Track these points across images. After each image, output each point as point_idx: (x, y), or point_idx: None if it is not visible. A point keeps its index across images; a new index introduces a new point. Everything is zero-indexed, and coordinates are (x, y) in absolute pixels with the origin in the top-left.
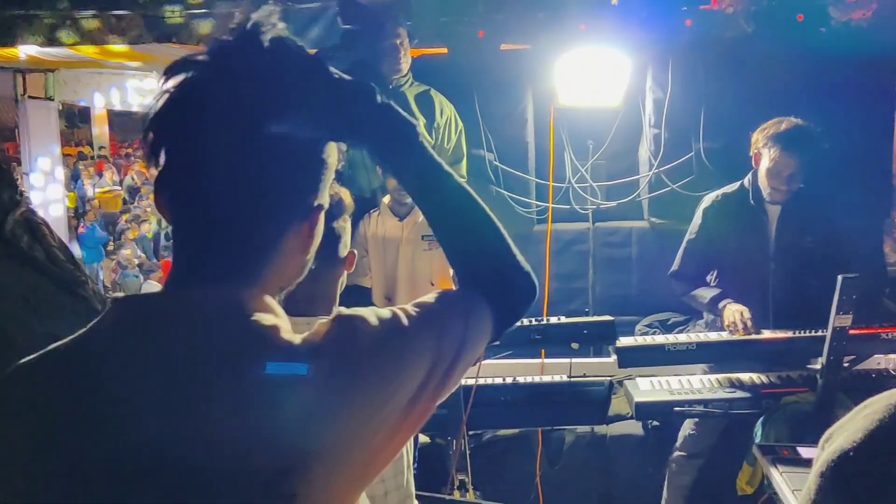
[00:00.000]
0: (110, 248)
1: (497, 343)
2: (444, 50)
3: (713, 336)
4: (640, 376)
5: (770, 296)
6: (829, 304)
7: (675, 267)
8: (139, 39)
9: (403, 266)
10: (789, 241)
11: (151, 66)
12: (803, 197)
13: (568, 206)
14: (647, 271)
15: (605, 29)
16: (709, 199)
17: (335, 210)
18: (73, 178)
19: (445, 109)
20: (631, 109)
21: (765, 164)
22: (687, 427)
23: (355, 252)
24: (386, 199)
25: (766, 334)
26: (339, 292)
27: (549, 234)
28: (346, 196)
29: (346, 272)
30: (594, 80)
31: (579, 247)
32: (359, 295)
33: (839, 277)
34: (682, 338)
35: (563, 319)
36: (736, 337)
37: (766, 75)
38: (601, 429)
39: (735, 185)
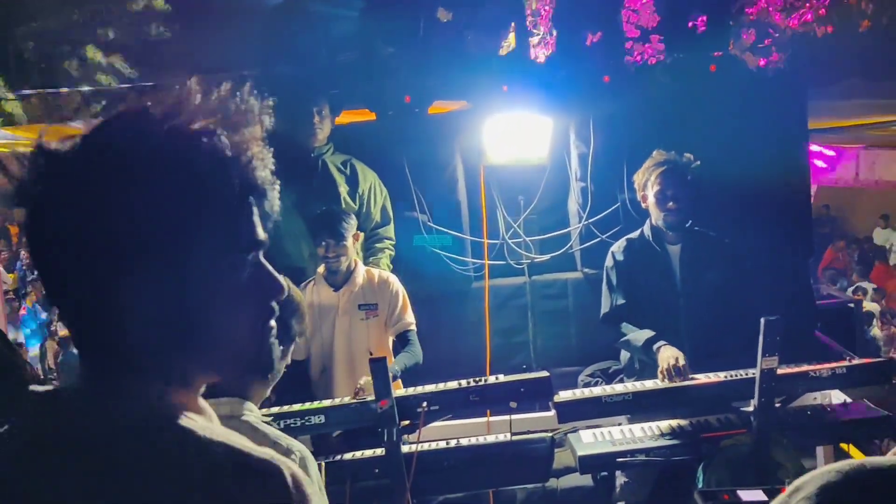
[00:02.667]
0: (54, 327)
1: (436, 408)
2: (372, 115)
3: (649, 385)
4: (587, 427)
5: (683, 330)
6: (741, 336)
7: (604, 309)
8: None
9: (340, 336)
10: (694, 277)
11: None
12: (701, 235)
13: (503, 262)
14: (585, 321)
15: (527, 89)
16: (616, 245)
17: (291, 310)
18: (13, 260)
19: (368, 176)
20: (557, 164)
21: (651, 195)
22: (621, 476)
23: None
24: (321, 269)
25: (700, 379)
26: (269, 388)
27: (487, 291)
28: (299, 296)
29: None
30: (520, 138)
31: (518, 301)
32: (295, 368)
33: (762, 320)
34: (619, 388)
35: (501, 378)
36: (669, 384)
37: (682, 124)
38: (552, 482)
39: (637, 232)
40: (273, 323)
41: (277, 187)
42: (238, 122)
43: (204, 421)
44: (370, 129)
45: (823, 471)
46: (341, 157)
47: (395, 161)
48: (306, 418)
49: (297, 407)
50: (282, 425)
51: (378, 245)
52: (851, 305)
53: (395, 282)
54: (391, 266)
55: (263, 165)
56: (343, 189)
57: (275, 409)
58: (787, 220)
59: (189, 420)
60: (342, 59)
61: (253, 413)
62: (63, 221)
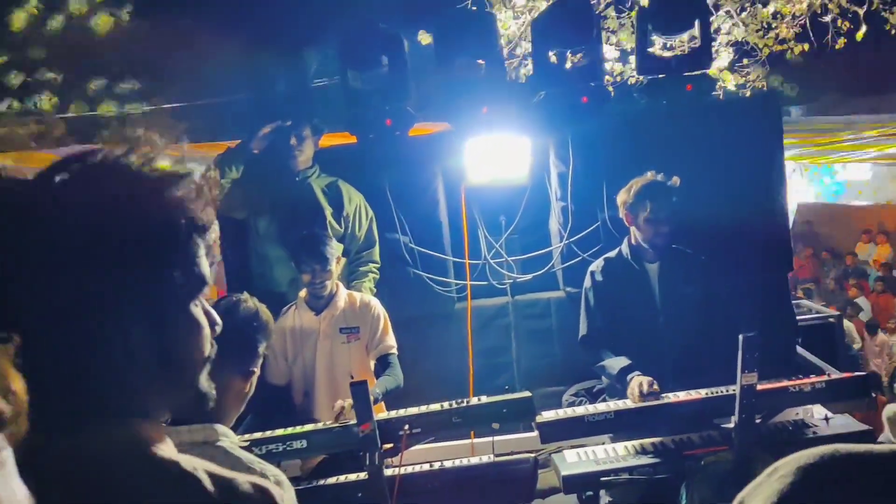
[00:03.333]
0: None
1: (419, 430)
2: (353, 139)
3: (630, 403)
4: (571, 447)
5: (664, 349)
6: (722, 353)
7: (582, 332)
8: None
9: (321, 360)
10: (673, 295)
11: None
12: (679, 253)
13: (486, 283)
14: (569, 340)
15: (507, 110)
16: (594, 265)
17: (257, 326)
18: None
19: (354, 198)
20: (538, 184)
21: (641, 216)
22: (605, 495)
23: (256, 371)
24: (302, 294)
25: (682, 396)
26: (242, 406)
27: (469, 312)
28: (266, 314)
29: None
30: (500, 159)
31: (501, 321)
32: (278, 393)
33: (740, 337)
34: (602, 407)
35: (484, 399)
36: (652, 403)
37: (660, 142)
38: (536, 503)
39: (615, 252)
40: (210, 358)
41: (216, 226)
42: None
43: (170, 450)
44: (351, 152)
45: (801, 454)
46: (327, 179)
47: (376, 183)
48: (288, 443)
49: (279, 432)
50: (264, 451)
51: (362, 268)
52: (832, 321)
53: (376, 305)
54: (375, 290)
55: (207, 203)
56: (328, 211)
57: (257, 434)
58: (765, 235)
59: (167, 449)
60: (322, 83)
61: (229, 438)
62: (10, 257)
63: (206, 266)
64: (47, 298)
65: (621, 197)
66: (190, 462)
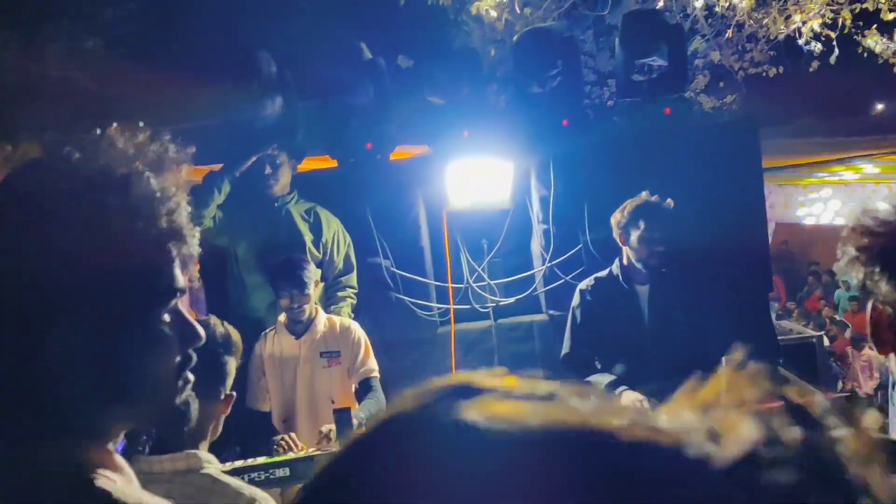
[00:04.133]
0: None
1: None
2: (334, 163)
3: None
4: None
5: (652, 370)
6: (709, 374)
7: (565, 350)
8: None
9: (302, 385)
10: (662, 317)
11: None
12: (669, 275)
13: (468, 306)
14: (552, 362)
15: (488, 134)
16: (584, 283)
17: (224, 347)
18: None
19: (332, 224)
20: (519, 208)
21: (636, 235)
22: None
23: (234, 395)
24: (282, 318)
25: None
26: (216, 431)
27: (453, 336)
28: (235, 335)
29: (222, 414)
30: (482, 182)
31: (484, 345)
32: (259, 420)
33: (723, 359)
34: None
35: None
36: None
37: (640, 165)
38: None
39: (605, 272)
40: (190, 375)
41: (197, 234)
42: (158, 167)
43: (122, 481)
44: (332, 176)
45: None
46: (306, 204)
47: (357, 207)
48: (271, 471)
49: (261, 460)
50: (246, 479)
51: (340, 294)
52: (814, 341)
53: (356, 328)
54: (352, 315)
55: (183, 211)
56: (308, 237)
57: (238, 463)
58: (745, 256)
59: (106, 481)
60: (302, 107)
61: (213, 465)
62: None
63: (179, 275)
64: (9, 296)
65: (615, 217)
66: (131, 496)
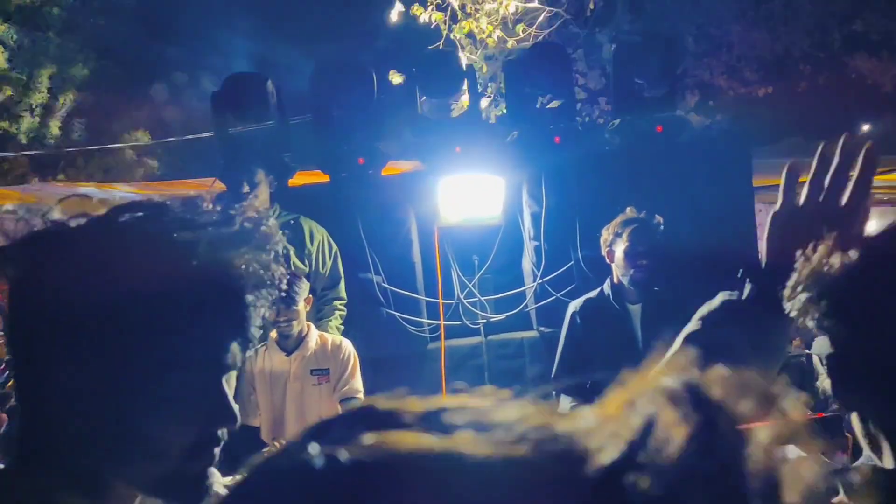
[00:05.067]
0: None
1: None
2: (326, 177)
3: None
4: None
5: None
6: None
7: (554, 372)
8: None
9: (292, 403)
10: (655, 337)
11: None
12: (660, 295)
13: (459, 322)
14: (542, 380)
15: (480, 150)
16: (575, 304)
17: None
18: None
19: (316, 234)
20: (511, 224)
21: (620, 249)
22: None
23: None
24: (273, 334)
25: None
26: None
27: (443, 352)
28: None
29: None
30: (473, 198)
31: (474, 361)
32: (248, 435)
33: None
34: None
35: None
36: None
37: (632, 182)
38: None
39: (596, 291)
40: (217, 451)
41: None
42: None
43: None
44: (324, 191)
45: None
46: (287, 217)
47: (349, 222)
48: None
49: None
50: None
51: (327, 307)
52: (803, 360)
53: (347, 347)
54: (342, 327)
55: (264, 273)
56: (290, 250)
57: (227, 480)
58: (736, 275)
59: None
60: (294, 122)
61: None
62: (45, 294)
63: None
64: (71, 331)
65: (603, 235)
66: None
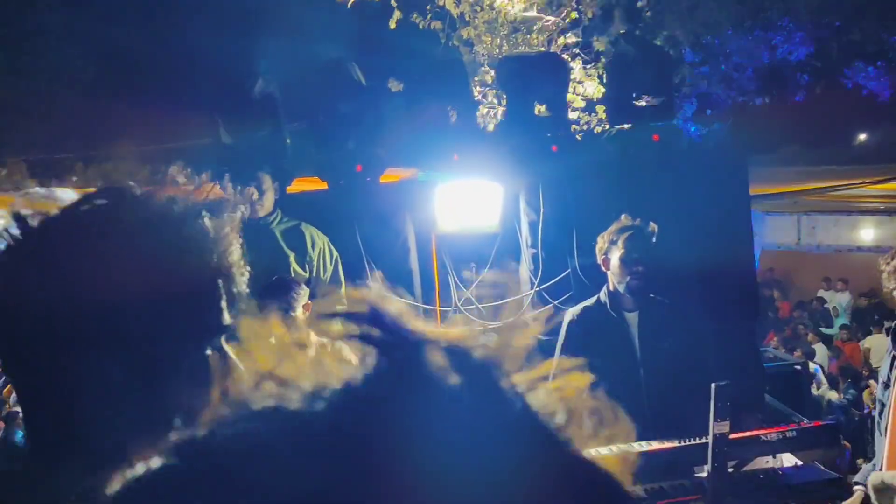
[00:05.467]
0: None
1: None
2: (324, 184)
3: (603, 451)
4: None
5: (644, 399)
6: (703, 405)
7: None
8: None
9: None
10: (652, 346)
11: None
12: (658, 302)
13: None
14: None
15: (478, 158)
16: (570, 313)
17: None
18: None
19: (317, 241)
20: (508, 231)
21: (616, 256)
22: None
23: None
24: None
25: (654, 445)
26: None
27: None
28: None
29: None
30: (471, 206)
31: None
32: None
33: (712, 385)
34: None
35: None
36: (626, 451)
37: (629, 191)
38: None
39: (592, 300)
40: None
41: (246, 272)
42: (216, 208)
43: None
44: (322, 198)
45: None
46: (290, 223)
47: (347, 230)
48: None
49: None
50: None
51: None
52: (798, 367)
53: (348, 352)
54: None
55: (235, 251)
56: (291, 256)
57: None
58: (732, 284)
59: None
60: (292, 129)
61: None
62: (27, 293)
63: (226, 312)
64: (57, 326)
65: (598, 243)
66: None
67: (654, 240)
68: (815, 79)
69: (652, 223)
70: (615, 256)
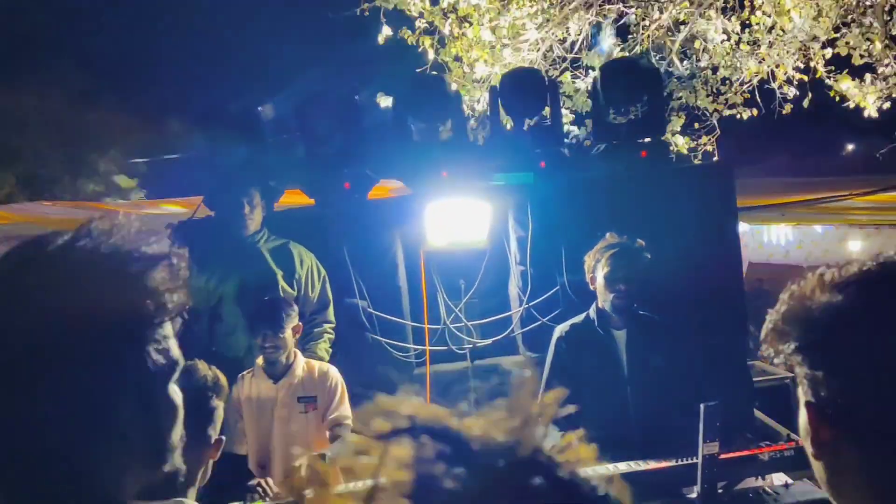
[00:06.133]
0: None
1: None
2: (311, 201)
3: (601, 470)
4: None
5: (632, 416)
6: (689, 422)
7: (538, 399)
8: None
9: (279, 430)
10: (640, 363)
11: None
12: (646, 319)
13: (445, 347)
14: None
15: (466, 175)
16: (559, 329)
17: (213, 391)
18: None
19: (305, 259)
20: (497, 248)
21: (601, 275)
22: None
23: (223, 439)
24: (259, 361)
25: (643, 465)
26: (206, 476)
27: (428, 377)
28: (222, 378)
29: (212, 458)
30: (460, 223)
31: (461, 386)
32: (235, 463)
33: (701, 406)
34: None
35: None
36: (619, 470)
37: (618, 207)
38: None
39: (581, 316)
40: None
41: (181, 293)
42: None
43: None
44: (309, 214)
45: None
46: (277, 241)
47: (334, 247)
48: None
49: None
50: None
51: (317, 329)
52: (787, 382)
53: (335, 374)
54: (330, 350)
55: (176, 290)
56: (279, 274)
57: None
58: (721, 299)
59: None
60: (280, 144)
61: None
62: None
63: (177, 348)
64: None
65: (586, 261)
66: None
67: (646, 255)
68: (801, 91)
69: (639, 240)
70: (601, 275)
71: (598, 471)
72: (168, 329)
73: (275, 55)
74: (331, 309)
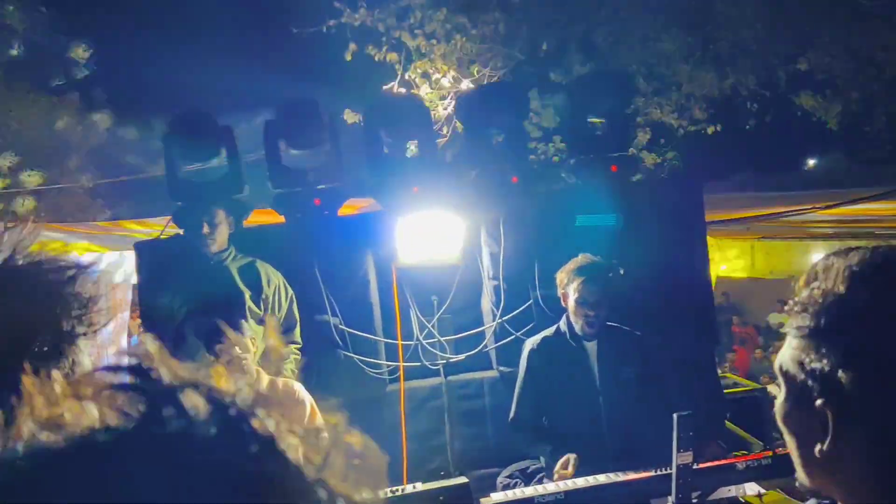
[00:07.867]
0: None
1: None
2: (281, 218)
3: (580, 482)
4: None
5: (605, 427)
6: (661, 431)
7: (513, 413)
8: None
9: None
10: (612, 374)
11: None
12: (616, 331)
13: (419, 363)
14: (502, 420)
15: (438, 190)
16: (531, 342)
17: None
18: None
19: (273, 279)
20: (470, 263)
21: (572, 297)
22: None
23: None
24: None
25: (627, 475)
26: None
27: (402, 394)
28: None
29: None
30: (432, 238)
31: (434, 402)
32: None
33: (674, 416)
34: (551, 487)
35: (419, 486)
36: (602, 482)
37: (587, 221)
38: None
39: (552, 329)
40: None
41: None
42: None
43: None
44: (279, 231)
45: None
46: (244, 260)
47: (305, 264)
48: None
49: None
50: None
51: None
52: (757, 394)
53: (300, 390)
54: (296, 371)
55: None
56: (246, 294)
57: None
58: (691, 311)
59: None
60: (248, 162)
61: None
62: None
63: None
64: None
65: (559, 276)
66: None
67: (620, 271)
68: (764, 107)
69: (613, 260)
70: (571, 298)
71: (577, 483)
72: (81, 348)
73: (244, 71)
74: (297, 330)
